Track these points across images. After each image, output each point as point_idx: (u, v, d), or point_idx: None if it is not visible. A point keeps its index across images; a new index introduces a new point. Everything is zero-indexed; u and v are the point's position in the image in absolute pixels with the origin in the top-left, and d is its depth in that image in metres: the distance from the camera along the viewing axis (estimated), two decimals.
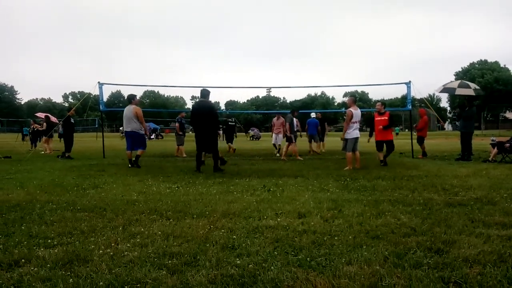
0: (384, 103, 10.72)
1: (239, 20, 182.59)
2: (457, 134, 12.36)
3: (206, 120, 8.58)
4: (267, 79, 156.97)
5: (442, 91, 13.76)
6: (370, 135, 10.91)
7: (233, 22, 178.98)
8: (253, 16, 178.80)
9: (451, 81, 13.72)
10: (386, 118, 10.04)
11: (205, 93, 8.90)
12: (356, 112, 9.19)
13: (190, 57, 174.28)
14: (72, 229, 3.78)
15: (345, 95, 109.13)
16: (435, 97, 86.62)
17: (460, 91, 12.94)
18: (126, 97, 10.80)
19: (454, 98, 69.65)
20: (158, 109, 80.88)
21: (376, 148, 10.41)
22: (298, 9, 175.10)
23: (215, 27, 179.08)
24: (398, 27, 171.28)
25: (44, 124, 17.62)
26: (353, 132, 9.13)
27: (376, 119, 10.21)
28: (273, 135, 14.52)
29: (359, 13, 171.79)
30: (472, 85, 13.47)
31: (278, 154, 13.59)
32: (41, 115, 17.80)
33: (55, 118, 17.57)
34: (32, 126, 20.13)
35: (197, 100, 8.80)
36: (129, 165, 9.70)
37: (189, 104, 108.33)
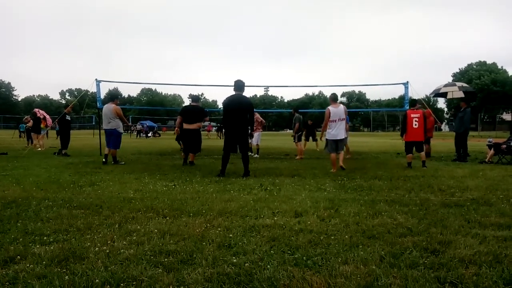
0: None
1: (238, 18, 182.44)
2: (454, 135, 12.39)
3: (243, 117, 7.75)
4: (265, 78, 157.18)
5: (431, 93, 14.00)
6: (402, 135, 9.98)
7: (232, 20, 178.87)
8: (252, 15, 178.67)
9: (440, 84, 13.90)
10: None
11: (240, 84, 7.91)
12: (335, 110, 8.66)
13: (188, 55, 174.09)
14: (68, 226, 3.77)
15: (343, 95, 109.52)
16: (432, 98, 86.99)
17: (446, 89, 13.11)
18: (108, 94, 11.04)
19: (450, 99, 69.98)
20: (155, 107, 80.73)
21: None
22: (297, 8, 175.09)
23: (213, 25, 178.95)
24: (397, 27, 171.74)
25: (31, 121, 17.55)
26: (332, 132, 8.65)
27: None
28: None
29: (358, 13, 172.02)
30: (459, 83, 13.65)
31: (256, 155, 13.00)
32: (39, 113, 17.66)
33: (44, 114, 17.45)
34: (28, 123, 20.05)
35: (233, 94, 7.84)
36: (103, 160, 9.96)
37: (187, 102, 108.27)
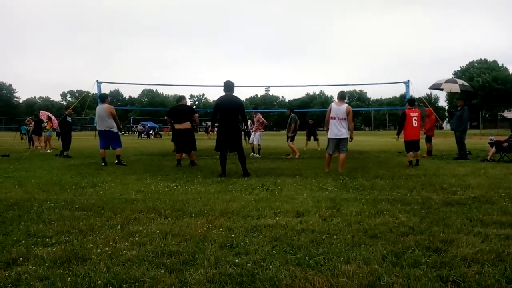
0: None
1: (239, 18, 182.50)
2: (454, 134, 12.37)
3: (235, 117, 7.82)
4: (266, 77, 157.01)
5: (430, 87, 13.92)
6: (398, 134, 10.05)
7: (233, 20, 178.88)
8: (253, 14, 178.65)
9: (442, 79, 13.80)
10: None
11: (230, 85, 7.94)
12: (337, 107, 8.36)
13: (188, 55, 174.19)
14: (70, 228, 3.78)
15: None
16: (433, 96, 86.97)
17: (445, 86, 13.05)
18: (98, 96, 11.01)
19: (451, 98, 69.76)
20: (157, 108, 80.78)
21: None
22: (298, 8, 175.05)
23: (214, 25, 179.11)
24: (398, 26, 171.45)
25: (33, 123, 17.60)
26: (333, 130, 8.38)
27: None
28: (252, 133, 13.82)
29: (359, 12, 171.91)
30: (460, 81, 13.56)
31: (258, 155, 13.06)
32: (45, 114, 17.79)
33: (51, 117, 17.48)
34: (30, 124, 20.08)
35: (223, 95, 7.88)
36: (103, 164, 9.66)
37: (188, 103, 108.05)
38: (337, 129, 8.36)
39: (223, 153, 7.84)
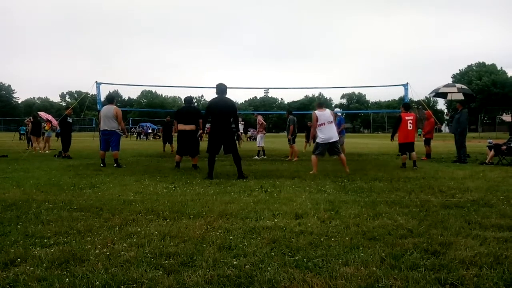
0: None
1: (239, 19, 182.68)
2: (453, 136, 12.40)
3: (228, 119, 7.79)
4: (265, 79, 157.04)
5: (430, 94, 14.00)
6: (393, 137, 10.42)
7: (231, 22, 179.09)
8: (252, 16, 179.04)
9: (440, 85, 13.90)
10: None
11: (223, 88, 7.93)
12: (322, 113, 8.55)
13: (188, 57, 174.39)
14: (69, 229, 3.77)
15: (343, 96, 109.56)
16: (432, 99, 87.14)
17: (444, 90, 13.12)
18: (105, 97, 10.93)
19: (450, 101, 69.95)
20: (156, 109, 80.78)
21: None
22: (297, 10, 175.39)
23: (213, 27, 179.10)
24: (397, 29, 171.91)
25: (30, 123, 17.63)
26: (323, 136, 8.46)
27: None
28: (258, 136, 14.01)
29: (358, 14, 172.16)
30: (458, 84, 13.66)
31: (256, 157, 13.15)
32: (44, 115, 17.86)
33: (51, 117, 17.51)
34: (28, 125, 20.08)
35: (216, 96, 7.87)
36: (101, 165, 9.65)
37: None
38: (328, 134, 8.49)
39: (213, 156, 7.76)
